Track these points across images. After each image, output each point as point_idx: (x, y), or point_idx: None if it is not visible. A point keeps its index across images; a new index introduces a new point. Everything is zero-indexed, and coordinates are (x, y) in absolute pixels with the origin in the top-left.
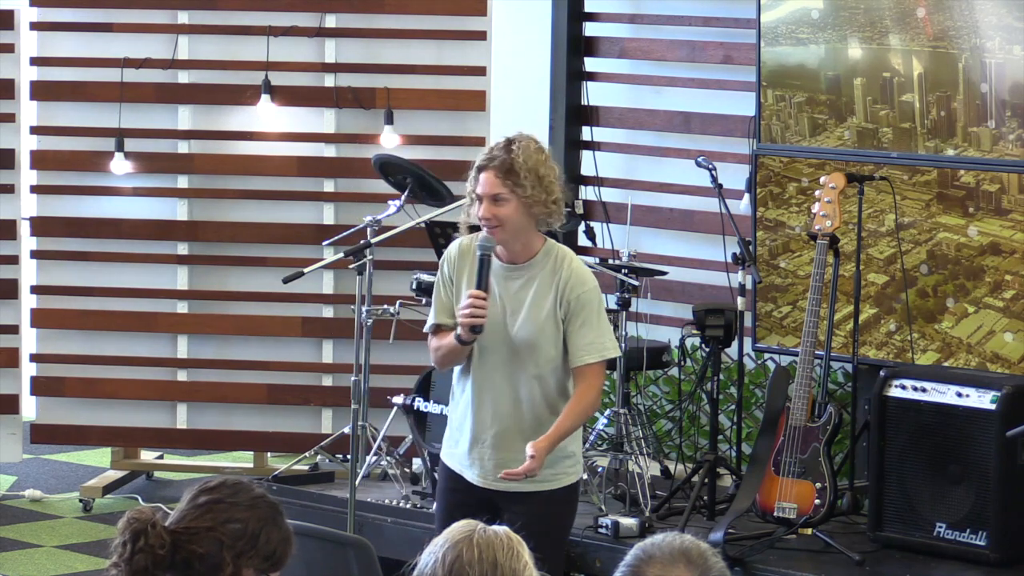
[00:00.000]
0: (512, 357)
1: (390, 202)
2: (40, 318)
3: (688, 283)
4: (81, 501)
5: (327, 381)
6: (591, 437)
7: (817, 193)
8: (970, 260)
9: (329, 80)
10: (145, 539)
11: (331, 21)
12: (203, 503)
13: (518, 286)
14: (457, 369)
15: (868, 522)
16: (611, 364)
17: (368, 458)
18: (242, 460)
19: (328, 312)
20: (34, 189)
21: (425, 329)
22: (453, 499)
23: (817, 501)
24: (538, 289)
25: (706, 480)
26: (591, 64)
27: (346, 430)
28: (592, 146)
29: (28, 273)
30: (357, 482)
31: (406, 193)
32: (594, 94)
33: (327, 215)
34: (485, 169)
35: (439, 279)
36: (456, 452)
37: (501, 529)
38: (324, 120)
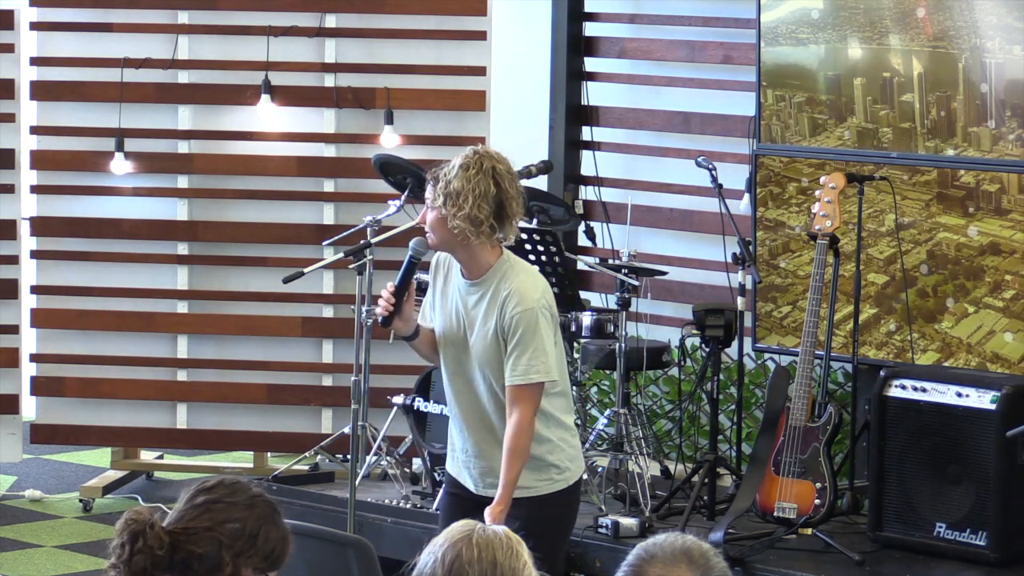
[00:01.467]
0: (474, 371)
1: (390, 202)
2: (40, 318)
3: (688, 283)
4: (81, 501)
5: (327, 381)
6: (591, 437)
7: (817, 193)
8: (970, 260)
9: (329, 80)
10: (144, 540)
11: (331, 21)
12: (201, 503)
13: (474, 301)
14: None
15: (868, 522)
16: (611, 364)
17: (368, 458)
18: (242, 460)
19: (328, 312)
20: (34, 189)
21: None
22: (453, 502)
23: (817, 501)
24: (487, 306)
25: (706, 480)
26: (591, 64)
27: (346, 430)
28: (592, 146)
29: (28, 273)
30: (357, 482)
31: (406, 193)
32: (594, 94)
33: (327, 215)
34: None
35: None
36: (452, 458)
37: (500, 529)
38: (324, 120)
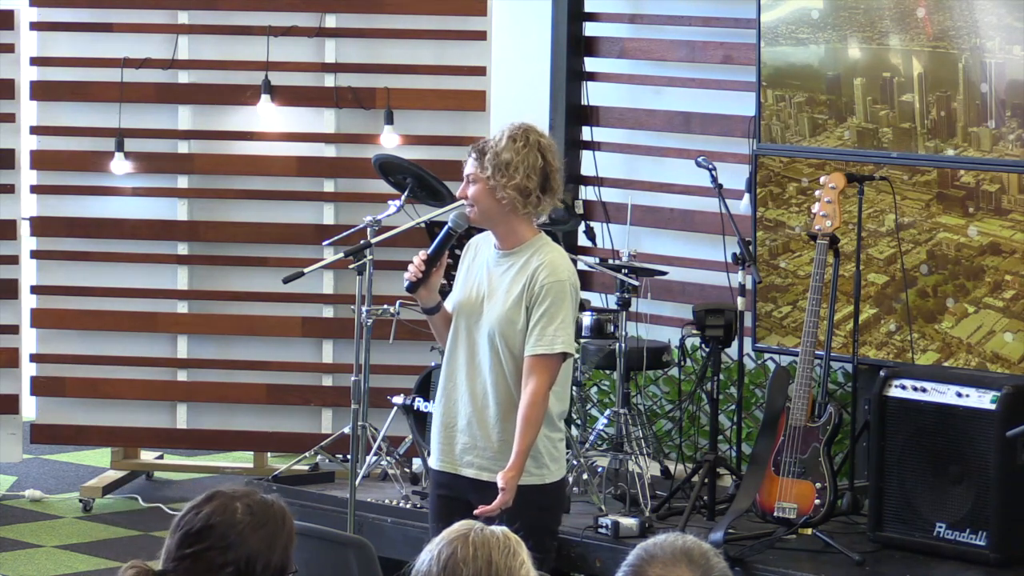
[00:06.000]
0: (482, 341)
1: (390, 202)
2: (40, 318)
3: (688, 283)
4: (81, 501)
5: (327, 381)
6: (591, 437)
7: (817, 193)
8: (970, 260)
9: (329, 80)
10: None
11: (331, 21)
12: (190, 554)
13: (502, 271)
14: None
15: (868, 522)
16: (611, 364)
17: (368, 458)
18: (242, 460)
19: (328, 312)
20: (34, 189)
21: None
22: (438, 501)
23: (817, 501)
24: (516, 273)
25: (706, 480)
26: (591, 64)
27: (346, 430)
28: (592, 146)
29: (28, 273)
30: (357, 482)
31: (406, 193)
32: (594, 94)
33: (327, 215)
34: (470, 152)
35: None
36: (432, 440)
37: (499, 529)
38: (324, 120)
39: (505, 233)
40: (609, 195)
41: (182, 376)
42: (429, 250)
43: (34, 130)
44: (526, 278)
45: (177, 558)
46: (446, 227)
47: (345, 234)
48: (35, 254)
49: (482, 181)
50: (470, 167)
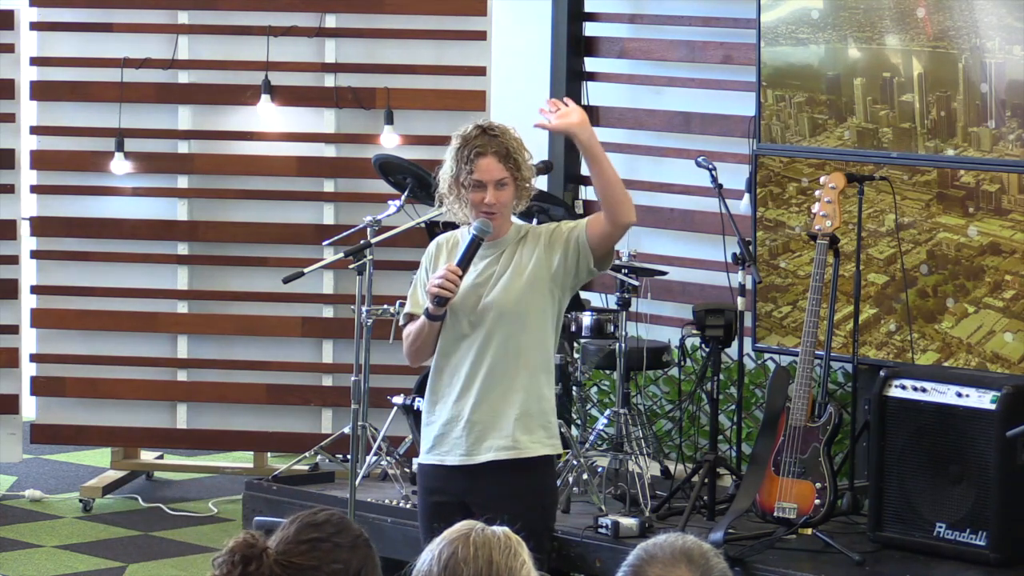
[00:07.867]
0: (491, 328)
1: (390, 202)
2: (40, 318)
3: (688, 283)
4: (81, 501)
5: (327, 381)
6: (591, 437)
7: (817, 193)
8: (970, 260)
9: (329, 80)
10: (257, 566)
11: (331, 21)
12: (308, 540)
13: (489, 262)
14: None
15: (868, 522)
16: (611, 364)
17: (368, 458)
18: (242, 460)
19: (328, 312)
20: (34, 189)
21: (401, 322)
22: (433, 507)
23: (817, 501)
24: (510, 254)
25: (706, 480)
26: (591, 64)
27: (346, 430)
28: None
29: (28, 273)
30: (357, 482)
31: (406, 193)
32: (594, 94)
33: (327, 215)
34: (484, 155)
35: (419, 274)
36: (430, 439)
37: (500, 529)
38: (324, 120)
39: (502, 227)
40: None
41: (182, 376)
42: (456, 262)
43: (34, 130)
44: (533, 246)
45: (295, 541)
46: (472, 236)
47: (345, 234)
48: (35, 254)
49: (513, 182)
50: (499, 171)
